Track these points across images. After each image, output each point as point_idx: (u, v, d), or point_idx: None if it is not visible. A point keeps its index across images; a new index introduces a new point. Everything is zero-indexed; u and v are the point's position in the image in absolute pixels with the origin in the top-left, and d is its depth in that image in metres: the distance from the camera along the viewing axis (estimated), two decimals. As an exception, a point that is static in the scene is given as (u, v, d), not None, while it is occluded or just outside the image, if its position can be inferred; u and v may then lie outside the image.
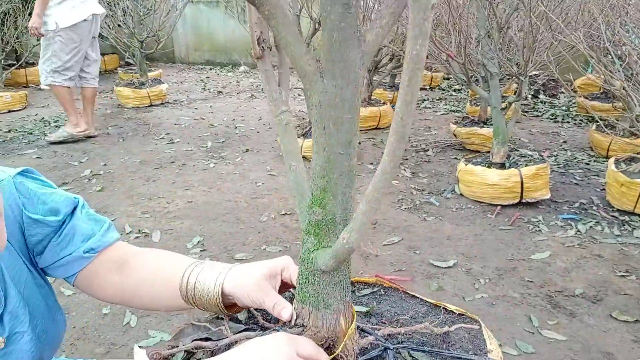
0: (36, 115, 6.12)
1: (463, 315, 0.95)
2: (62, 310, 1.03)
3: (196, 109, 6.24)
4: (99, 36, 4.99)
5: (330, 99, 0.67)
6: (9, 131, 5.37)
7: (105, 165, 4.21)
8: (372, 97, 5.10)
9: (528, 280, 2.41)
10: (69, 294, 2.40)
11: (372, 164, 4.02)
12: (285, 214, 3.18)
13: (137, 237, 2.93)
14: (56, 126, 5.52)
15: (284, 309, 0.80)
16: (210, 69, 9.50)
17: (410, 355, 0.85)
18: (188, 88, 7.71)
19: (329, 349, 0.80)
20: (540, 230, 2.91)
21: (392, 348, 0.81)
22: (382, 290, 1.05)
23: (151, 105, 6.33)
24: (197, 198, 3.46)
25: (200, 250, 2.74)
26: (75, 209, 0.94)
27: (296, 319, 0.79)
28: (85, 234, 0.93)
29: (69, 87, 4.73)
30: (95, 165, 4.21)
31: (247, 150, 4.47)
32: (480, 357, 0.83)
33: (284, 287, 0.90)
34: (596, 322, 2.11)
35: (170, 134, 5.09)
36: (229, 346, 0.82)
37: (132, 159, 4.35)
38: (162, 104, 6.44)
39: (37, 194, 0.90)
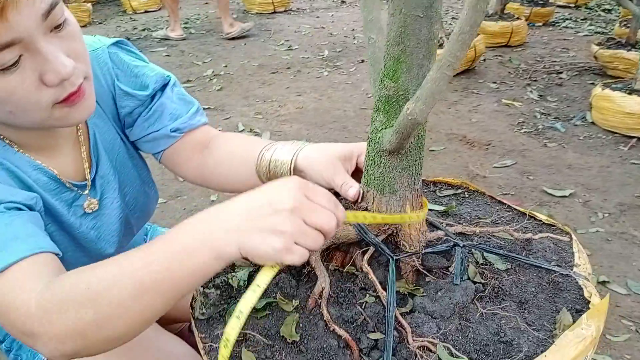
0: (168, 16, 6.42)
1: (553, 225, 0.85)
2: (155, 186, 1.08)
3: (317, 17, 6.14)
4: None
5: (412, -52, 0.57)
6: (144, 29, 5.71)
7: (226, 66, 4.34)
8: (505, 11, 4.64)
9: (655, 220, 2.15)
10: (182, 180, 2.58)
11: (495, 82, 3.72)
12: (393, 126, 3.09)
13: (248, 135, 3.03)
14: (186, 27, 5.75)
15: (351, 188, 0.75)
16: None
17: (484, 257, 0.78)
18: (313, -4, 7.59)
19: (391, 236, 0.76)
20: (681, 168, 2.55)
21: (461, 245, 0.75)
22: (466, 192, 0.97)
23: (275, 12, 6.34)
24: (308, 104, 3.47)
25: (305, 153, 2.78)
26: (165, 86, 0.95)
27: (360, 201, 0.75)
28: (173, 114, 0.95)
29: None
30: (217, 66, 4.36)
31: (362, 61, 4.35)
32: (564, 269, 0.74)
33: (358, 173, 0.85)
34: None
35: (290, 40, 5.09)
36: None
37: (251, 62, 4.44)
38: (285, 11, 6.41)
39: (129, 66, 0.92)
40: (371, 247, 0.74)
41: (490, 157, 2.70)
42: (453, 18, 5.64)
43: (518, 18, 4.53)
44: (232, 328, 0.57)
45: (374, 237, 0.74)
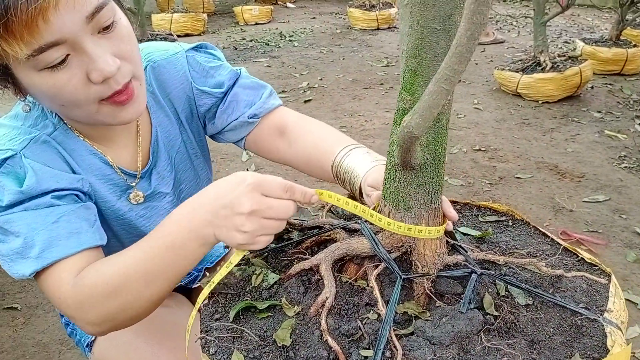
0: (276, 29, 6.69)
1: (595, 265, 0.78)
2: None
3: (421, 35, 6.10)
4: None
5: (429, -41, 0.56)
6: (251, 40, 6.00)
7: (321, 79, 4.44)
8: (622, 37, 4.31)
9: None
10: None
11: (599, 111, 3.46)
12: (479, 149, 2.97)
13: (329, 147, 3.08)
14: (290, 40, 5.96)
15: (370, 196, 0.76)
16: None
17: (507, 290, 0.73)
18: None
19: (406, 254, 0.73)
20: None
21: (478, 273, 0.71)
22: (510, 221, 0.91)
23: (378, 29, 6.39)
24: (395, 121, 3.45)
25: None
26: (237, 79, 1.01)
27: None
28: (247, 101, 1.00)
29: None
30: (313, 78, 4.48)
31: (458, 81, 4.25)
32: (593, 313, 0.67)
33: None
34: None
35: (389, 57, 5.10)
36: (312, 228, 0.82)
37: (346, 77, 4.50)
38: (388, 27, 6.44)
39: (205, 68, 0.99)
40: (383, 263, 0.72)
41: (581, 191, 2.51)
42: (565, 42, 5.34)
43: (635, 45, 4.19)
44: (203, 294, 0.69)
45: (387, 253, 0.72)
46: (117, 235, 0.94)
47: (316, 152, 0.95)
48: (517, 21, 6.51)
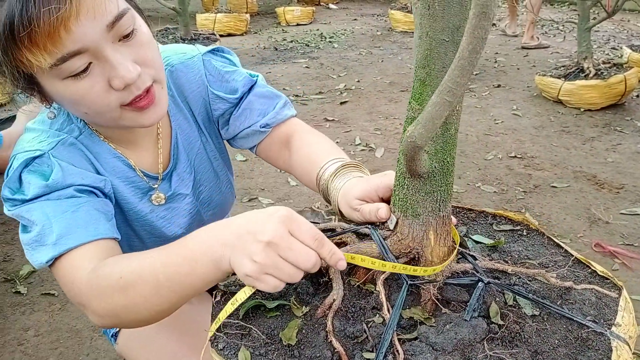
0: (317, 30, 6.74)
1: (607, 279, 0.77)
2: (233, 187, 1.17)
3: (462, 39, 6.02)
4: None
5: (437, -28, 0.57)
6: (292, 41, 6.06)
7: (358, 81, 4.45)
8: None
9: None
10: (294, 184, 2.71)
11: (644, 121, 3.35)
12: (515, 156, 2.92)
13: (362, 150, 3.08)
14: (330, 42, 5.99)
15: (379, 209, 0.76)
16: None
17: (515, 300, 0.73)
18: (462, 18, 7.45)
19: (412, 261, 0.74)
20: None
21: (485, 282, 0.71)
22: (525, 230, 0.91)
23: (419, 31, 6.34)
24: (430, 125, 3.43)
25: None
26: (253, 86, 1.03)
27: (394, 231, 0.75)
28: (261, 110, 1.02)
29: None
30: (350, 80, 4.49)
31: (498, 86, 4.18)
32: (600, 326, 0.67)
33: None
34: None
35: (428, 60, 5.07)
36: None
37: (383, 79, 4.50)
38: (430, 30, 6.38)
39: (221, 72, 1.01)
40: (390, 268, 0.73)
41: (619, 202, 2.44)
42: (613, 48, 5.17)
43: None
44: (211, 330, 0.69)
45: (395, 258, 0.73)
46: (139, 235, 0.98)
47: (308, 164, 0.95)
48: (563, 25, 6.34)
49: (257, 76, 1.05)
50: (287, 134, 1.03)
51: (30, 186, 0.78)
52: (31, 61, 0.67)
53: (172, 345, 1.01)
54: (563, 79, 3.55)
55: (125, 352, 1.10)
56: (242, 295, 0.67)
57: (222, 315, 0.68)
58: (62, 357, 1.65)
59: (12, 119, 1.80)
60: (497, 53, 5.26)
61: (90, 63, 0.71)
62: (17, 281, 1.99)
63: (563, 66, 3.81)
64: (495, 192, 2.56)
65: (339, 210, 0.85)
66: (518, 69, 4.67)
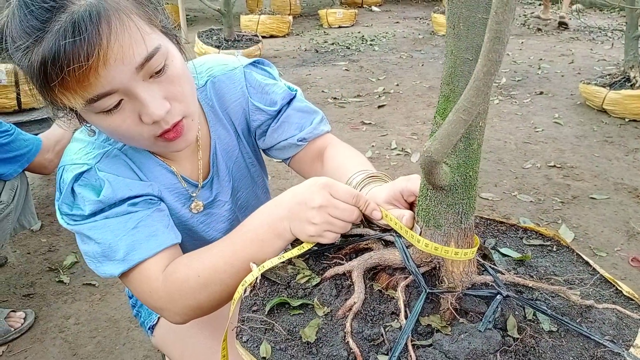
0: (359, 32, 6.75)
1: (632, 300, 0.77)
2: (269, 191, 1.22)
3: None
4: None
5: (463, -6, 0.59)
6: (333, 44, 6.09)
7: (397, 85, 4.45)
8: None
9: None
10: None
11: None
12: (554, 166, 2.87)
13: (398, 154, 3.09)
14: (371, 44, 6.00)
15: (403, 217, 0.79)
16: (540, 4, 8.74)
17: (535, 315, 0.74)
18: (507, 22, 7.32)
19: (435, 270, 0.76)
20: None
21: (504, 295, 0.72)
22: (555, 246, 0.91)
23: (461, 35, 6.27)
24: (468, 131, 3.40)
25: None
26: (292, 100, 1.06)
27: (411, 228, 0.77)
28: (299, 124, 1.06)
29: None
30: (389, 84, 4.49)
31: (540, 93, 4.10)
32: (618, 346, 0.67)
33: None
34: None
35: (469, 65, 5.01)
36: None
37: (422, 83, 4.48)
38: (472, 35, 6.31)
39: (261, 84, 1.05)
40: (411, 276, 0.75)
41: (662, 215, 2.37)
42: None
43: None
44: (252, 274, 0.77)
45: (416, 266, 0.75)
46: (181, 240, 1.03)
47: (337, 173, 0.98)
48: (612, 32, 6.15)
49: (297, 90, 1.09)
50: (321, 148, 1.07)
51: (84, 201, 0.83)
52: (64, 102, 0.72)
53: (206, 341, 1.06)
54: (608, 88, 3.46)
55: (161, 344, 1.16)
56: (294, 251, 0.80)
57: (287, 255, 0.79)
58: (100, 345, 1.73)
59: (47, 119, 1.89)
60: (541, 59, 5.16)
61: (121, 100, 0.75)
62: (61, 271, 2.10)
63: (609, 74, 3.72)
64: (531, 201, 2.53)
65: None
66: (562, 75, 4.57)
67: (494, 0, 0.47)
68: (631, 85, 3.38)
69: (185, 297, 0.82)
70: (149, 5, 0.78)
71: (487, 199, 2.55)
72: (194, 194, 1.01)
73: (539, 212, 2.43)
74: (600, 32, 6.23)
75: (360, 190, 0.90)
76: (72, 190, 0.85)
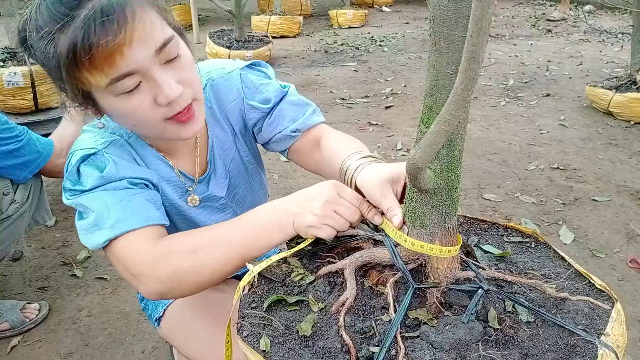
0: (368, 33, 6.80)
1: (604, 292, 0.82)
2: (266, 187, 1.29)
3: (514, 45, 5.94)
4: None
5: (444, 14, 0.65)
6: (342, 44, 6.15)
7: (405, 86, 4.49)
8: None
9: None
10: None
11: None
12: (557, 168, 2.91)
13: (404, 155, 3.14)
14: (380, 45, 6.04)
15: (395, 216, 0.83)
16: (551, 5, 8.73)
17: (514, 307, 0.80)
18: (517, 23, 7.34)
19: (421, 267, 0.82)
20: None
21: (485, 289, 0.78)
22: (533, 243, 0.97)
23: (470, 37, 6.29)
24: (473, 132, 3.44)
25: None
26: (284, 96, 1.13)
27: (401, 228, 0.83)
28: (291, 117, 1.12)
29: None
30: (397, 85, 4.54)
31: (547, 95, 4.12)
32: (590, 335, 0.73)
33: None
34: None
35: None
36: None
37: (430, 84, 4.52)
38: (482, 36, 6.33)
39: (255, 85, 1.12)
40: (400, 272, 0.81)
41: (661, 218, 2.40)
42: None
43: None
44: (260, 266, 0.83)
45: (404, 264, 0.81)
46: (178, 228, 1.10)
47: (334, 155, 1.02)
48: (622, 34, 6.14)
49: (289, 87, 1.15)
50: (317, 137, 1.12)
51: (88, 178, 0.90)
52: (90, 81, 0.79)
53: (208, 330, 1.12)
54: (614, 91, 3.48)
55: (167, 335, 1.23)
56: (304, 243, 0.87)
57: (288, 253, 0.86)
58: (111, 337, 1.81)
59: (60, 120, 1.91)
60: (549, 61, 5.17)
61: (140, 82, 0.83)
62: (74, 265, 2.18)
63: (616, 77, 3.74)
64: (533, 202, 2.57)
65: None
66: (570, 77, 4.59)
67: (470, 25, 0.53)
68: (637, 88, 3.40)
69: (170, 260, 0.83)
70: (160, 5, 0.86)
71: (490, 200, 2.59)
72: (191, 188, 1.08)
73: (540, 214, 2.47)
74: (609, 34, 6.23)
75: (363, 169, 0.92)
76: (78, 169, 0.92)
